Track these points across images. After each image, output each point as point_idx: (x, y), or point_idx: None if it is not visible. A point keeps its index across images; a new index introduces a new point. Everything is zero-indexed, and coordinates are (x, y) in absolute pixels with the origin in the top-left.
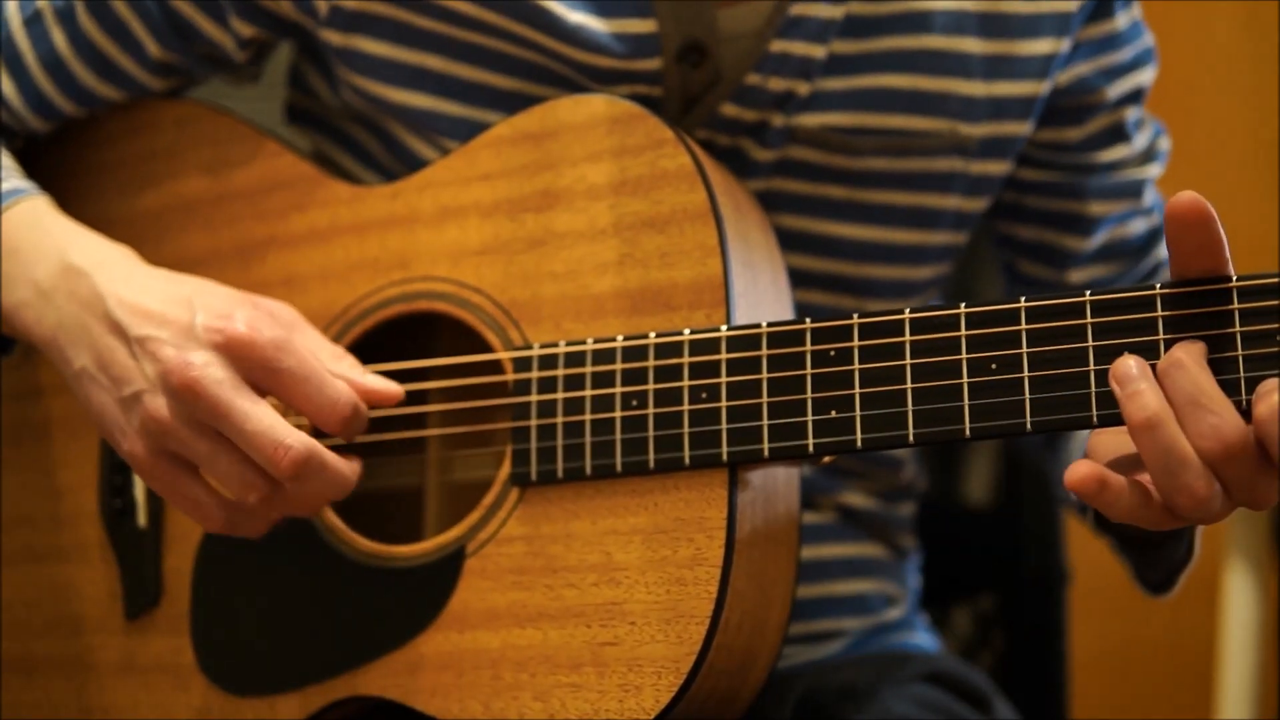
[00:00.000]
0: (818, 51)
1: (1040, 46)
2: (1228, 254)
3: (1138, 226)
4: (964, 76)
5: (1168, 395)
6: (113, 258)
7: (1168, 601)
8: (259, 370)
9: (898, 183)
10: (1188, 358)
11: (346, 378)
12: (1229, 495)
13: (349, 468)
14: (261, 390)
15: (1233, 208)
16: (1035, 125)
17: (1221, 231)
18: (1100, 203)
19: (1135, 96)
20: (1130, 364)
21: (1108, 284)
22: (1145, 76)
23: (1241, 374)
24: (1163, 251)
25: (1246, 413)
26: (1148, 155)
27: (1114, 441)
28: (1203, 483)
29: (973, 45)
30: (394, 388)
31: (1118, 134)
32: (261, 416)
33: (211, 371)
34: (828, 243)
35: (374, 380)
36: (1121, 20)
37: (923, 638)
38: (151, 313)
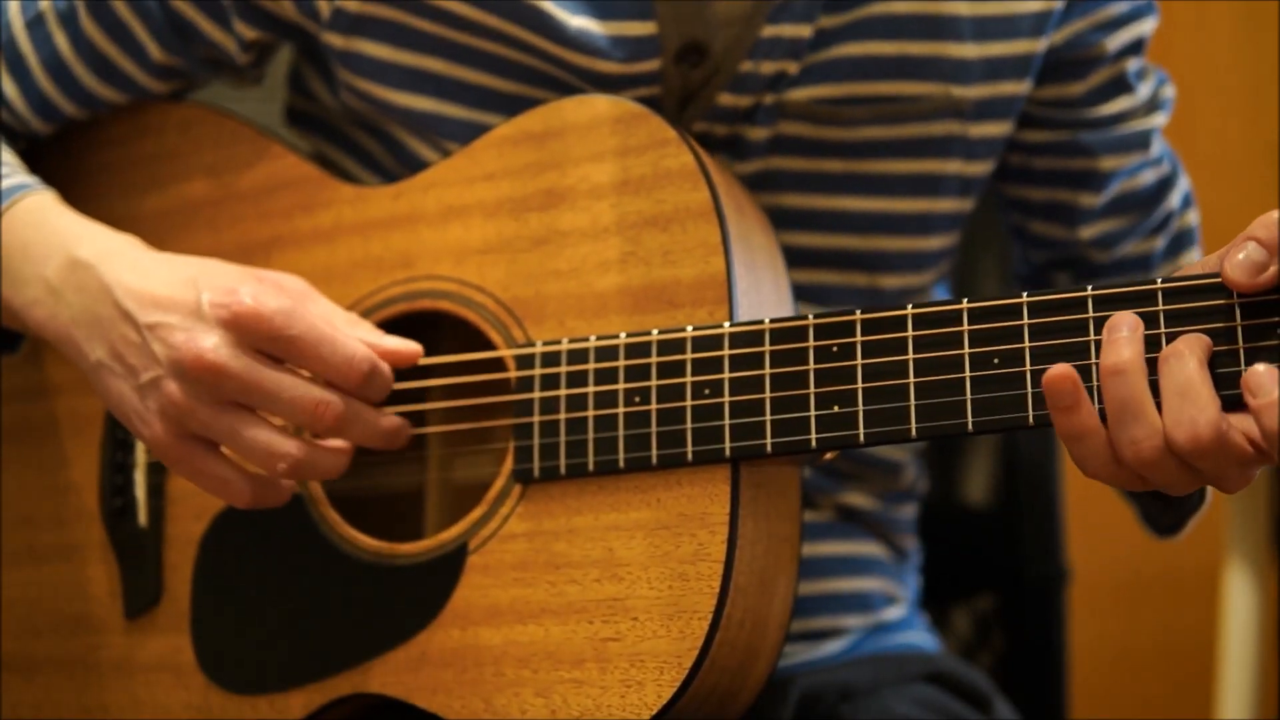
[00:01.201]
0: (805, 31)
1: (1031, 5)
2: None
3: (1147, 177)
4: (954, 39)
5: (1161, 381)
6: (118, 247)
7: (1168, 601)
8: (268, 341)
9: (895, 151)
10: (1188, 350)
11: (365, 340)
12: (1199, 476)
13: (384, 418)
14: (276, 360)
15: (1233, 208)
16: (1035, 83)
17: None
18: (1110, 157)
19: (1136, 47)
20: (1125, 316)
21: (1120, 236)
22: (1145, 27)
23: (1242, 367)
24: (1173, 201)
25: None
26: (1152, 105)
27: None
28: (1149, 444)
29: (960, 7)
30: (412, 346)
31: (1120, 85)
32: (293, 383)
33: (227, 351)
34: (832, 217)
35: (393, 341)
36: None
37: (923, 638)
38: (159, 298)
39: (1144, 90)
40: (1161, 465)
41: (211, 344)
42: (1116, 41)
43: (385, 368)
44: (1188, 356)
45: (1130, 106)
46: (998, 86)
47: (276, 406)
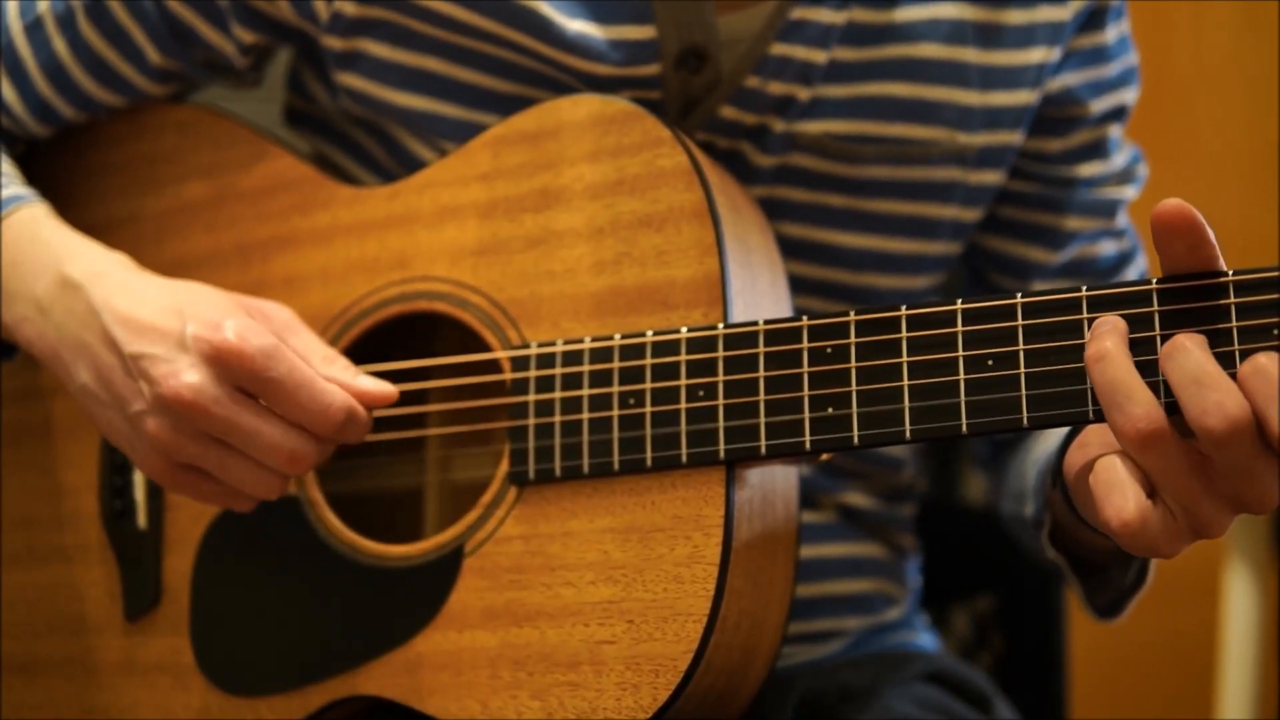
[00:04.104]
0: (819, 57)
1: (1034, 56)
2: (1218, 254)
3: (1107, 248)
4: (962, 86)
5: (1170, 376)
6: (108, 267)
7: (1168, 601)
8: (248, 380)
9: (898, 192)
10: (1190, 343)
11: (338, 380)
12: (1221, 479)
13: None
14: (255, 397)
15: (1233, 208)
16: (1024, 135)
17: (1210, 233)
18: (1074, 218)
19: (1118, 114)
20: (1109, 317)
21: None
22: (1129, 95)
23: (1239, 368)
24: (1129, 277)
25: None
26: (1125, 176)
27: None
28: (1146, 422)
29: (971, 55)
30: (387, 388)
31: (1098, 150)
32: (271, 430)
33: (207, 391)
34: (827, 251)
35: (366, 382)
36: (1111, 34)
37: (923, 638)
38: (144, 326)
39: (1119, 159)
40: (1154, 439)
41: (190, 381)
42: (1101, 105)
43: (362, 412)
44: (1191, 348)
45: (1104, 173)
46: (997, 136)
47: (252, 450)
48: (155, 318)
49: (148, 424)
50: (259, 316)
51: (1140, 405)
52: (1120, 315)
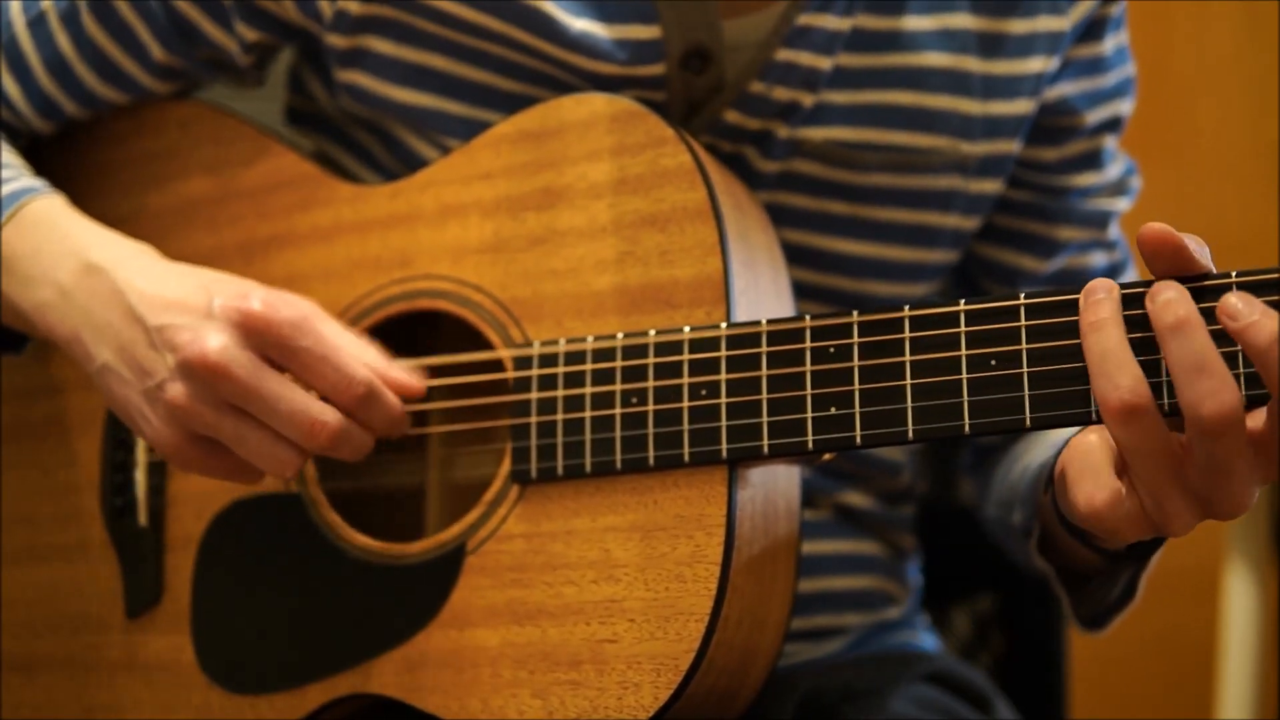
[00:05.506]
0: (824, 63)
1: (1033, 65)
2: (1204, 268)
3: (1098, 259)
4: (964, 95)
5: (1171, 354)
6: (131, 253)
7: (1168, 601)
8: (275, 348)
9: (899, 200)
10: (1200, 323)
11: (371, 365)
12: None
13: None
14: (279, 368)
15: (1233, 208)
16: (1021, 143)
17: (1193, 254)
18: (1065, 227)
19: (1113, 125)
20: (1101, 281)
21: None
22: (1125, 106)
23: (1241, 369)
24: None
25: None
26: (1119, 188)
27: (1098, 442)
28: (1131, 394)
29: (973, 64)
30: (416, 381)
31: (1092, 160)
32: (292, 396)
33: (232, 353)
34: (829, 258)
35: (398, 371)
36: (1109, 45)
37: (924, 638)
38: (170, 301)
39: (1113, 171)
40: (1151, 435)
41: (217, 344)
42: (1097, 115)
43: (389, 395)
44: (1199, 328)
45: (1097, 183)
46: (997, 145)
47: (273, 418)
48: (180, 294)
49: (168, 392)
50: (287, 296)
51: (1128, 377)
52: (1123, 314)
